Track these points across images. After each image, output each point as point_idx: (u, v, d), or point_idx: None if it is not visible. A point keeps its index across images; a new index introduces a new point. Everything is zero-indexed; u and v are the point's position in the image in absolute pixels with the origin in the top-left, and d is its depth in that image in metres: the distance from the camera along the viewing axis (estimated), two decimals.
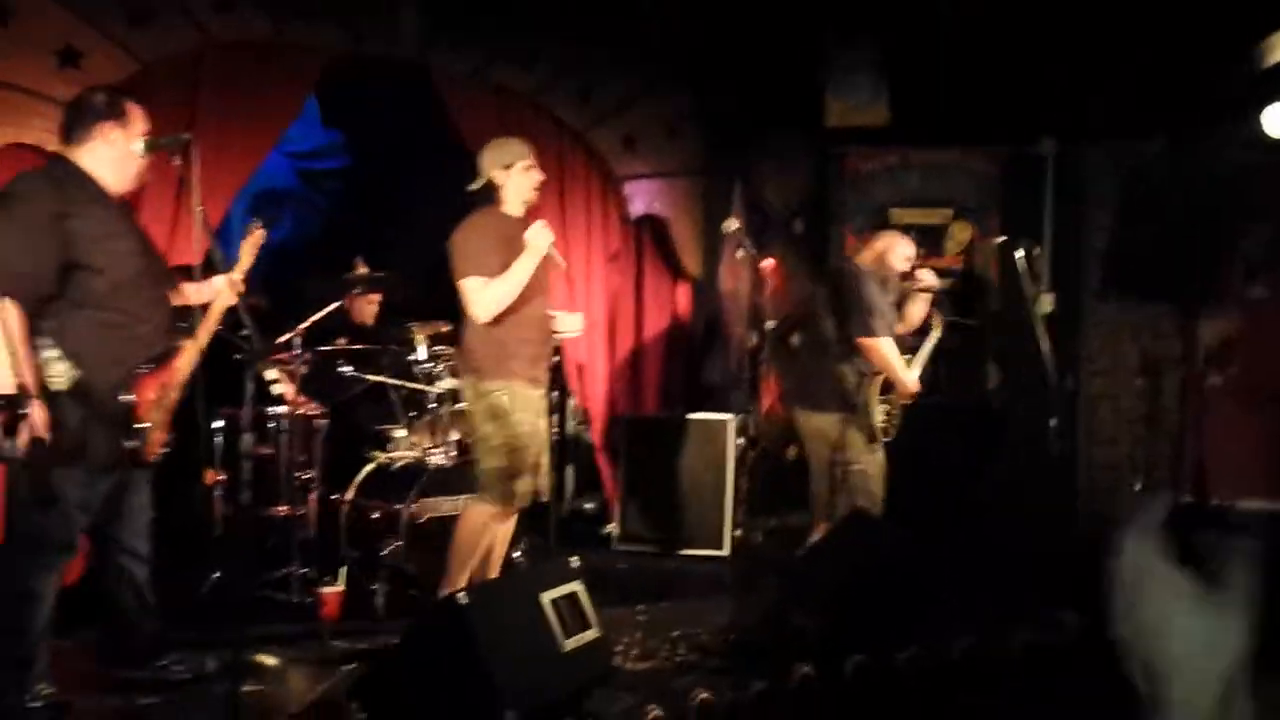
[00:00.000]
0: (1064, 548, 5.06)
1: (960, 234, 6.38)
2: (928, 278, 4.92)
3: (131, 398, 3.02)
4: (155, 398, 3.14)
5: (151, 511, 3.37)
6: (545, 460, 4.03)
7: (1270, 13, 5.05)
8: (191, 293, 3.48)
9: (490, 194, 4.06)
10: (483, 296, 3.88)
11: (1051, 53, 5.80)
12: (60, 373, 2.93)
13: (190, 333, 3.27)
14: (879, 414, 4.78)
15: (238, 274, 3.51)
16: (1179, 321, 5.61)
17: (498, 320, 3.91)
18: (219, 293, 3.43)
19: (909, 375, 4.82)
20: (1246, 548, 0.84)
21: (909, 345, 4.93)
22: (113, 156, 3.13)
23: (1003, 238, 4.88)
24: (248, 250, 3.67)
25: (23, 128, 4.28)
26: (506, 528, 4.11)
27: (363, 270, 4.92)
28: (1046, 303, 4.97)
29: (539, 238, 3.91)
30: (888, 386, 4.79)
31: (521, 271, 3.89)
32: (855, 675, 3.63)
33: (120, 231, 3.09)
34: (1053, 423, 4.73)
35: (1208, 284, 5.61)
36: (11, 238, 2.89)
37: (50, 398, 2.91)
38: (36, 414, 2.83)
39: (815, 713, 3.45)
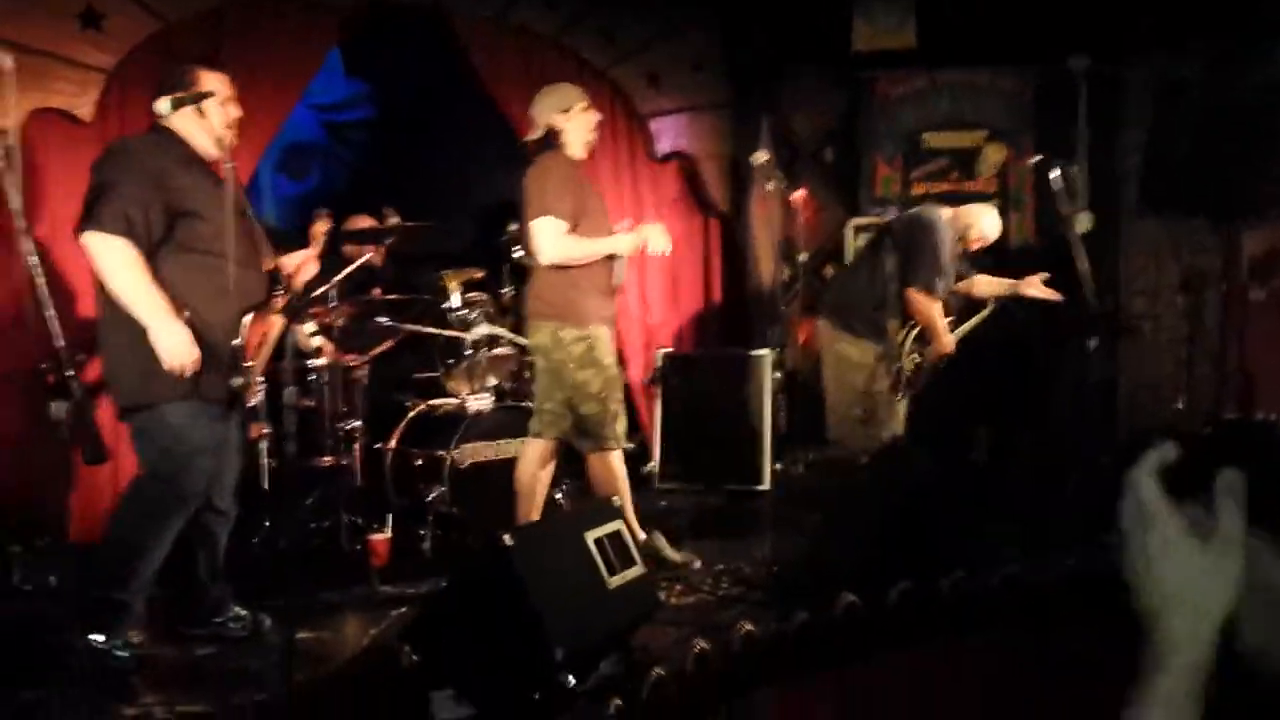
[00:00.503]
0: (1105, 471, 5.03)
1: (994, 156, 6.27)
2: (1033, 290, 4.85)
3: (239, 339, 3.10)
4: (257, 343, 3.23)
5: (239, 470, 3.45)
6: (616, 399, 4.11)
7: None
8: (284, 261, 3.63)
9: (550, 140, 4.05)
10: (554, 242, 3.91)
11: None
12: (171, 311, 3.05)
13: (285, 293, 3.42)
14: (908, 363, 4.75)
15: (313, 253, 3.84)
16: (1220, 235, 5.52)
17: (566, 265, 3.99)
18: (300, 266, 3.69)
19: (949, 337, 4.79)
20: (1236, 483, 0.84)
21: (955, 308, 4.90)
22: (191, 127, 3.24)
23: (1037, 158, 4.79)
24: (316, 240, 4.06)
25: (48, 92, 4.31)
26: (549, 470, 4.17)
27: (394, 220, 4.93)
28: (1084, 222, 4.89)
29: (656, 239, 4.07)
30: (921, 339, 4.76)
31: (605, 248, 4.00)
32: (899, 603, 3.65)
33: (216, 190, 3.15)
34: (1092, 344, 4.69)
35: (1248, 195, 5.51)
36: (124, 187, 3.01)
37: (138, 337, 3.02)
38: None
39: (860, 642, 3.48)
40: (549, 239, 3.89)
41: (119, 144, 3.25)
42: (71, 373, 2.88)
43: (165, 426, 3.11)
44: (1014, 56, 6.25)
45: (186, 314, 3.07)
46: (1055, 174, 4.65)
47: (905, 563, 3.86)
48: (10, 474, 4.28)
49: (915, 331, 4.75)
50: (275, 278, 3.42)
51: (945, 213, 4.82)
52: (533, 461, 4.09)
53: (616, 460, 4.06)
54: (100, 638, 3.09)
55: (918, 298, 4.69)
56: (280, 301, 3.32)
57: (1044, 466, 5.04)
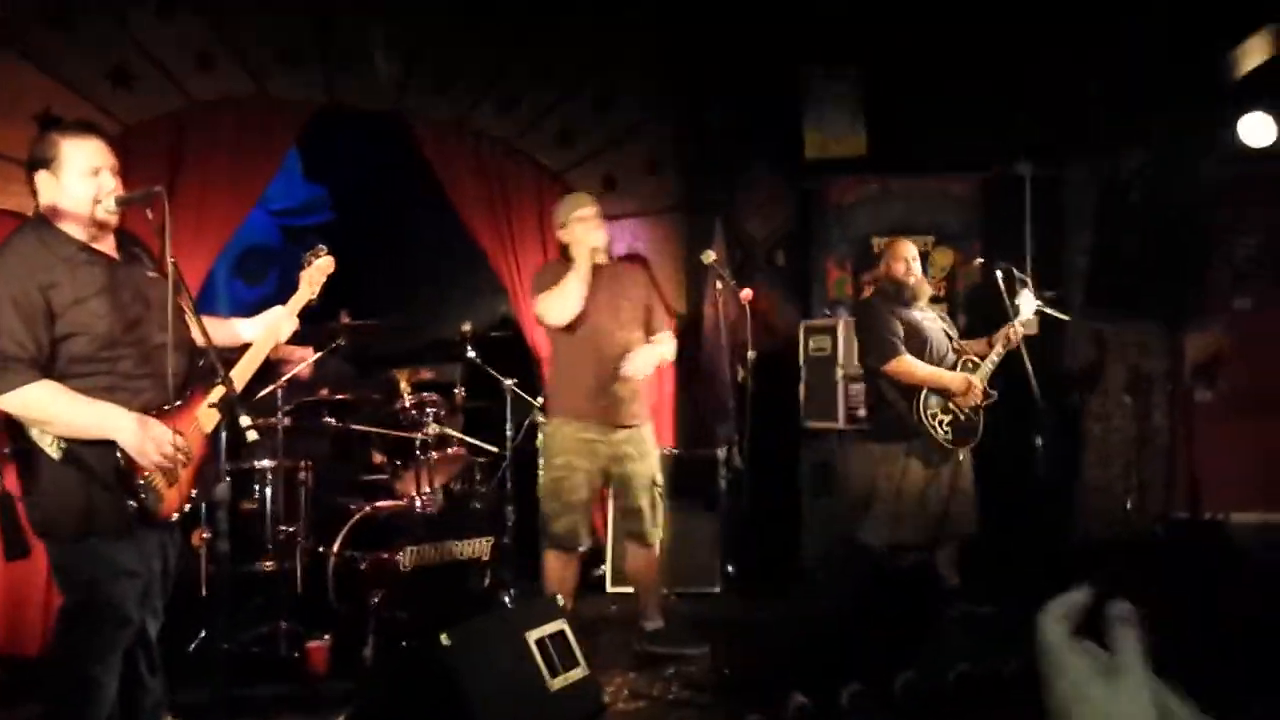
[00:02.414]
0: (1061, 570, 5.02)
1: (941, 259, 6.40)
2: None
3: (120, 457, 2.79)
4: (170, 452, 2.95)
5: (174, 569, 3.21)
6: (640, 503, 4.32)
7: (1239, 24, 5.11)
8: (244, 329, 3.30)
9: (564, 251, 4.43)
10: (542, 301, 4.26)
11: (1024, 75, 5.85)
12: (50, 441, 2.77)
13: (214, 378, 2.95)
14: (939, 429, 4.72)
15: (294, 306, 3.32)
16: (1165, 337, 5.61)
17: (556, 358, 4.32)
18: (270, 328, 3.25)
19: (954, 377, 4.76)
20: (1126, 613, 0.84)
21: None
22: (59, 204, 2.86)
23: (980, 260, 4.89)
24: (310, 281, 3.38)
25: (4, 194, 4.32)
26: (575, 567, 4.36)
27: (346, 321, 4.93)
28: (1030, 324, 4.97)
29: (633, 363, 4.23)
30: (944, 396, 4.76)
31: (573, 283, 4.18)
32: (850, 705, 3.59)
33: (102, 287, 2.87)
34: (1039, 442, 4.73)
35: (1190, 298, 5.63)
36: (11, 323, 2.72)
37: (52, 468, 2.76)
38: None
39: None
40: (540, 305, 4.28)
41: (2, 250, 2.79)
42: None
43: (75, 559, 2.85)
44: (961, 163, 6.41)
45: (63, 445, 2.76)
46: (1000, 275, 4.75)
47: (857, 663, 3.82)
48: None
49: (926, 397, 4.75)
50: (210, 369, 3.03)
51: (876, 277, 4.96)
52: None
53: (549, 559, 4.26)
54: None
55: (887, 370, 4.75)
56: (218, 392, 2.93)
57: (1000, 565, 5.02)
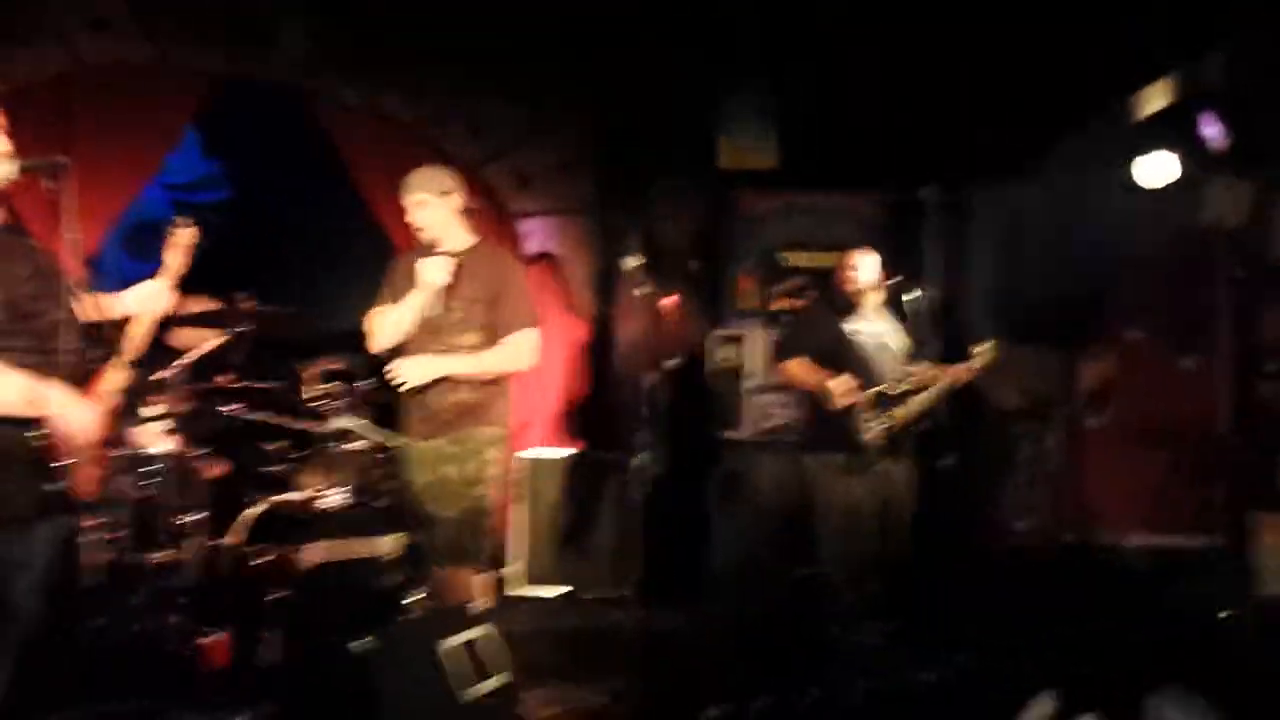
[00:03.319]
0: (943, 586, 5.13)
1: None
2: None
3: (39, 435, 2.61)
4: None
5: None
6: (449, 513, 3.82)
7: (1148, 63, 5.32)
8: (113, 305, 3.10)
9: None
10: (372, 317, 3.91)
11: (934, 97, 5.98)
12: None
13: (111, 351, 2.87)
14: (865, 435, 4.68)
15: (168, 279, 3.18)
16: (1060, 363, 5.81)
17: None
18: (145, 301, 3.10)
19: (837, 382, 4.64)
20: None
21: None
22: None
23: (893, 280, 4.96)
24: (176, 253, 3.24)
25: None
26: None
27: (247, 304, 4.72)
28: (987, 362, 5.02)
29: (429, 272, 3.80)
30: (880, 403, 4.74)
31: (408, 308, 3.82)
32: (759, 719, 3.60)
33: (7, 253, 2.70)
34: (944, 463, 4.84)
35: (1083, 325, 5.84)
36: None
37: None
38: None
39: None
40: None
41: None
42: None
43: None
44: (868, 182, 6.50)
45: None
46: (908, 297, 4.83)
47: (763, 677, 3.83)
48: None
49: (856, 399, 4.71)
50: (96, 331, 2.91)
51: None
52: None
53: None
54: None
55: (778, 369, 4.87)
56: (103, 365, 2.82)
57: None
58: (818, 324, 4.96)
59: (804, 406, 4.99)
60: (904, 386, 4.76)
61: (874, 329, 4.88)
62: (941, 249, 6.31)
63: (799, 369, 4.79)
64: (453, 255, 3.88)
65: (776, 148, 6.35)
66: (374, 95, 5.57)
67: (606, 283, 6.40)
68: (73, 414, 2.63)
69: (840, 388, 4.63)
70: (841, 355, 4.78)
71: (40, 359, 2.66)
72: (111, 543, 4.04)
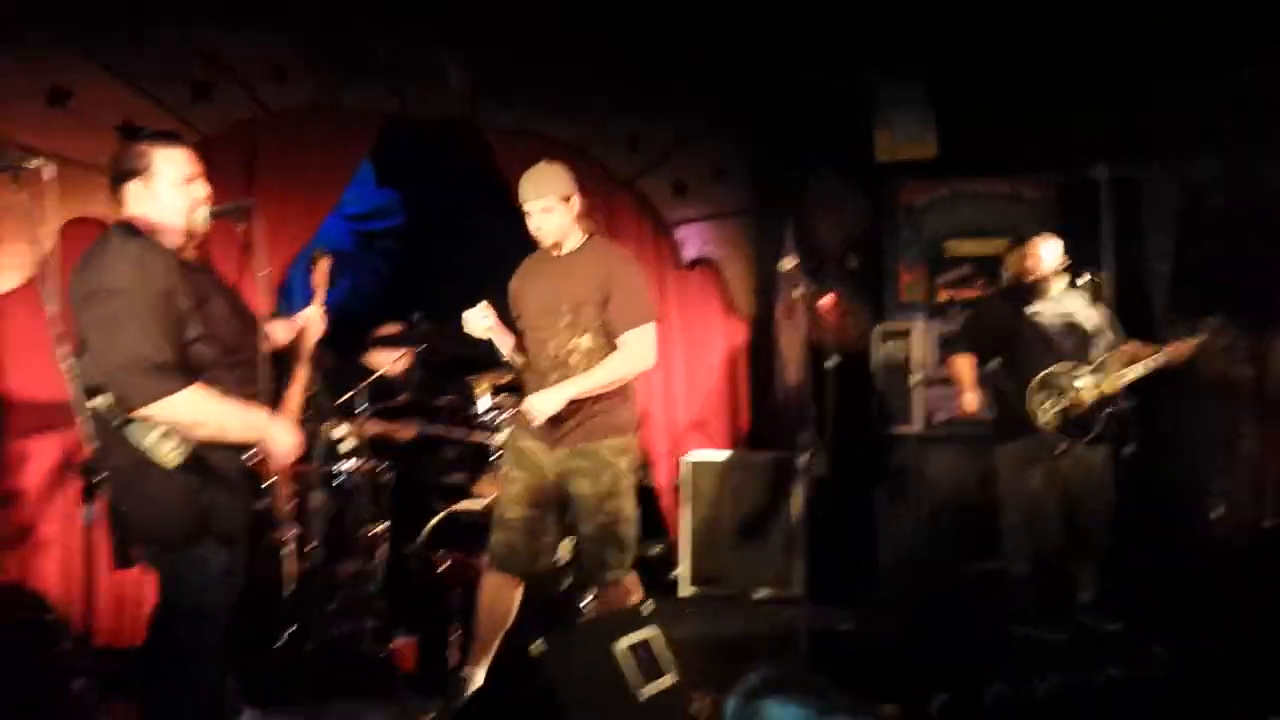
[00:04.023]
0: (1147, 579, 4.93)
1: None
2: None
3: (251, 456, 2.86)
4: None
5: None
6: (586, 528, 3.79)
7: None
8: (280, 332, 3.35)
9: None
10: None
11: (1099, 75, 5.75)
12: (171, 448, 2.74)
13: (292, 375, 3.16)
14: (1043, 417, 4.65)
15: (317, 305, 3.43)
16: (1250, 342, 5.47)
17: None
18: (305, 328, 3.35)
19: (967, 396, 4.86)
20: None
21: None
22: (152, 213, 2.87)
23: (1073, 263, 4.82)
24: (320, 279, 3.55)
25: (87, 202, 4.39)
26: (502, 590, 3.85)
27: (423, 325, 4.97)
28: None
29: (471, 325, 3.93)
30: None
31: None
32: (940, 714, 3.54)
33: (207, 294, 2.89)
34: (1127, 451, 4.66)
35: (1277, 302, 5.49)
36: (151, 329, 2.69)
37: (164, 477, 2.75)
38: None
39: None
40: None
41: (110, 278, 2.71)
42: (103, 476, 2.81)
43: (193, 566, 2.85)
44: (1035, 165, 6.31)
45: (188, 446, 2.74)
46: (1081, 280, 4.68)
47: (945, 673, 3.77)
48: (39, 575, 4.26)
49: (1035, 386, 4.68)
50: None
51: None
52: None
53: (484, 579, 3.88)
54: None
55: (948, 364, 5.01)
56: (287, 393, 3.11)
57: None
58: (993, 312, 4.93)
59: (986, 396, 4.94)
60: (1085, 372, 4.64)
61: (1059, 310, 4.78)
62: (1117, 228, 6.05)
63: (961, 366, 4.85)
64: (573, 254, 3.87)
65: (936, 137, 6.23)
66: (532, 119, 5.76)
67: (766, 284, 6.41)
68: (279, 437, 2.87)
69: (971, 404, 4.82)
70: (1020, 341, 4.72)
71: (246, 388, 2.90)
72: (308, 554, 4.30)
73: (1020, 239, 5.00)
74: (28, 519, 4.33)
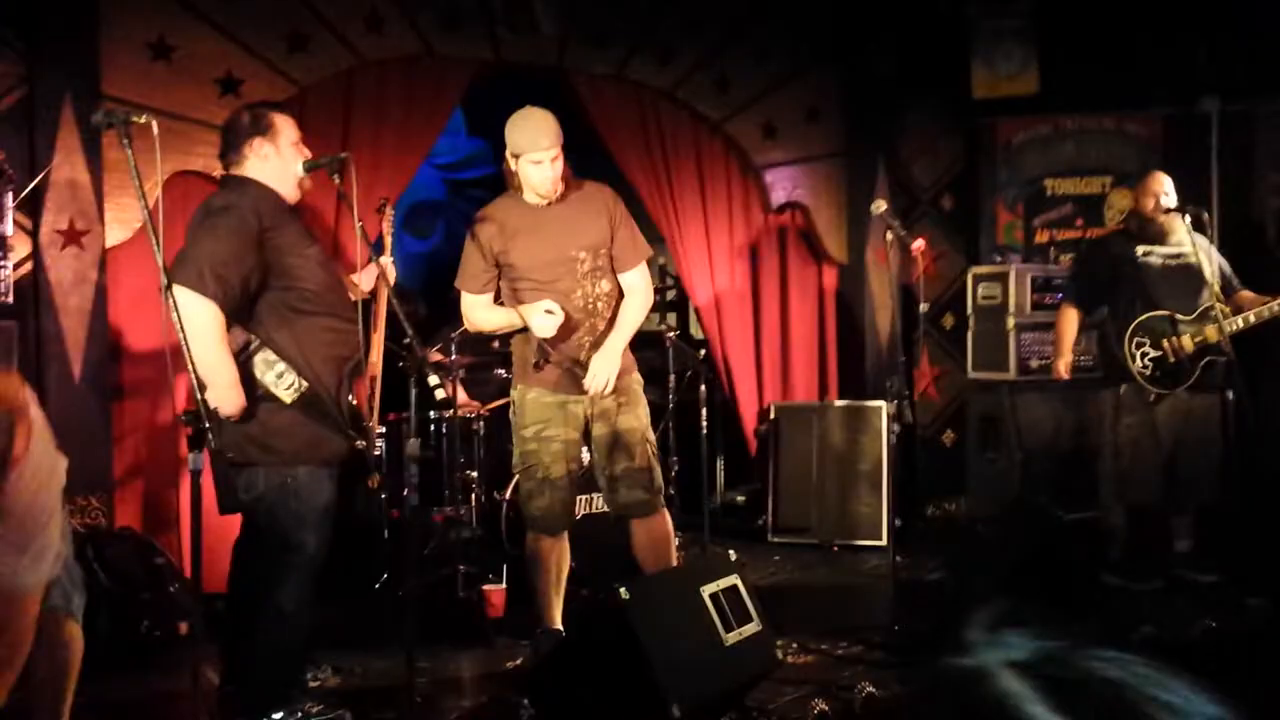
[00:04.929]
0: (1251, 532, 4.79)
1: (1120, 202, 6.07)
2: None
3: (353, 399, 3.18)
4: (368, 394, 3.32)
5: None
6: (638, 463, 3.71)
7: None
8: (361, 282, 3.73)
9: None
10: (467, 312, 3.80)
11: (1210, 3, 5.50)
12: (290, 384, 3.00)
13: (376, 323, 3.51)
14: (1137, 362, 4.57)
15: (388, 256, 3.92)
16: None
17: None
18: (380, 276, 3.73)
19: (1059, 362, 4.80)
20: None
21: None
22: (269, 170, 3.11)
23: (1187, 202, 4.65)
24: (386, 228, 4.18)
25: (188, 154, 4.53)
26: (561, 548, 3.86)
27: None
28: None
29: (539, 328, 3.56)
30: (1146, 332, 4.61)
31: (506, 320, 3.76)
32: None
33: (309, 240, 3.20)
34: (1230, 395, 4.52)
35: None
36: (223, 246, 2.93)
37: (280, 410, 3.02)
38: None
39: None
40: (463, 309, 3.85)
41: (216, 203, 3.08)
42: (210, 424, 2.94)
43: (295, 491, 3.04)
44: (1140, 100, 6.08)
45: (305, 384, 3.02)
46: (1186, 219, 4.51)
47: (1034, 621, 3.74)
48: (146, 521, 4.47)
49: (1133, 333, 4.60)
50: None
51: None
52: None
53: (533, 544, 3.82)
54: (279, 715, 3.06)
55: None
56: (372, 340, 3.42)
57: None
58: (1104, 255, 4.79)
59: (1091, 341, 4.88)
60: (1189, 319, 4.51)
61: (1171, 252, 4.63)
62: (1227, 165, 5.81)
63: (1063, 323, 4.80)
64: (559, 202, 3.71)
65: (1036, 72, 6.03)
66: (624, 64, 5.73)
67: (857, 228, 6.32)
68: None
69: (1061, 371, 4.78)
70: (1125, 285, 4.60)
71: (346, 329, 3.16)
72: (404, 498, 4.44)
73: (1122, 177, 4.84)
74: (138, 466, 4.53)
